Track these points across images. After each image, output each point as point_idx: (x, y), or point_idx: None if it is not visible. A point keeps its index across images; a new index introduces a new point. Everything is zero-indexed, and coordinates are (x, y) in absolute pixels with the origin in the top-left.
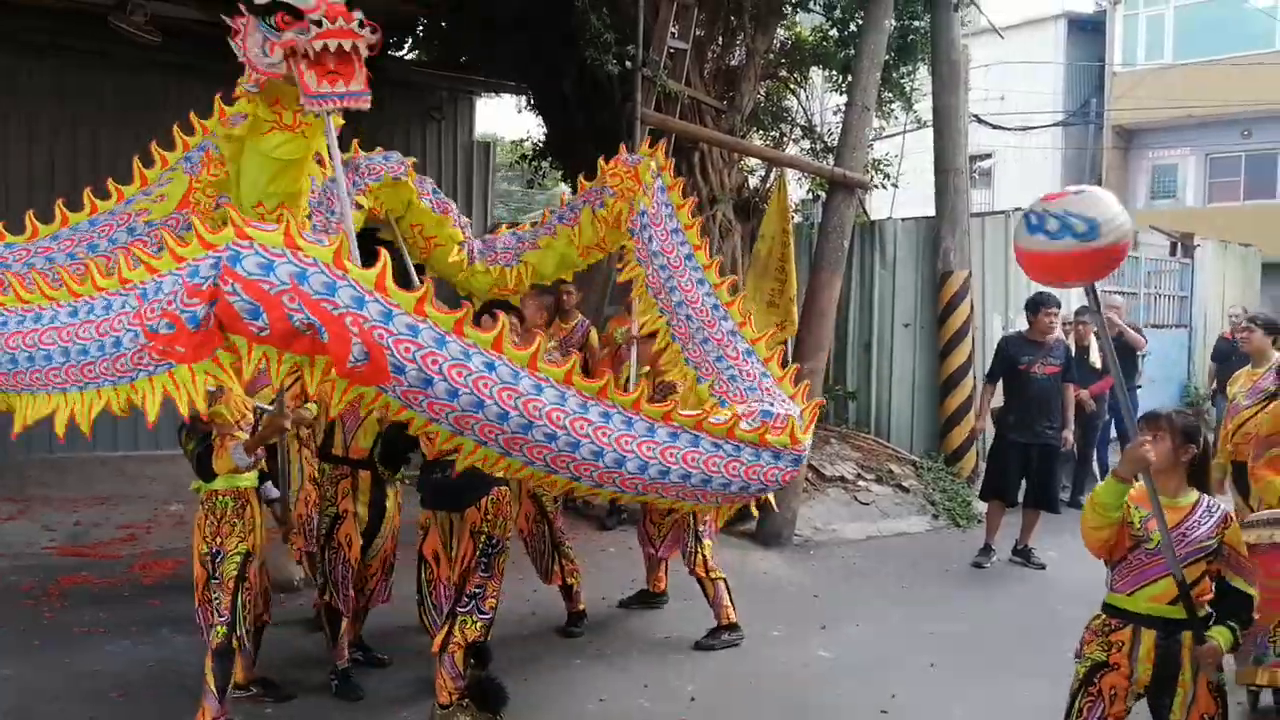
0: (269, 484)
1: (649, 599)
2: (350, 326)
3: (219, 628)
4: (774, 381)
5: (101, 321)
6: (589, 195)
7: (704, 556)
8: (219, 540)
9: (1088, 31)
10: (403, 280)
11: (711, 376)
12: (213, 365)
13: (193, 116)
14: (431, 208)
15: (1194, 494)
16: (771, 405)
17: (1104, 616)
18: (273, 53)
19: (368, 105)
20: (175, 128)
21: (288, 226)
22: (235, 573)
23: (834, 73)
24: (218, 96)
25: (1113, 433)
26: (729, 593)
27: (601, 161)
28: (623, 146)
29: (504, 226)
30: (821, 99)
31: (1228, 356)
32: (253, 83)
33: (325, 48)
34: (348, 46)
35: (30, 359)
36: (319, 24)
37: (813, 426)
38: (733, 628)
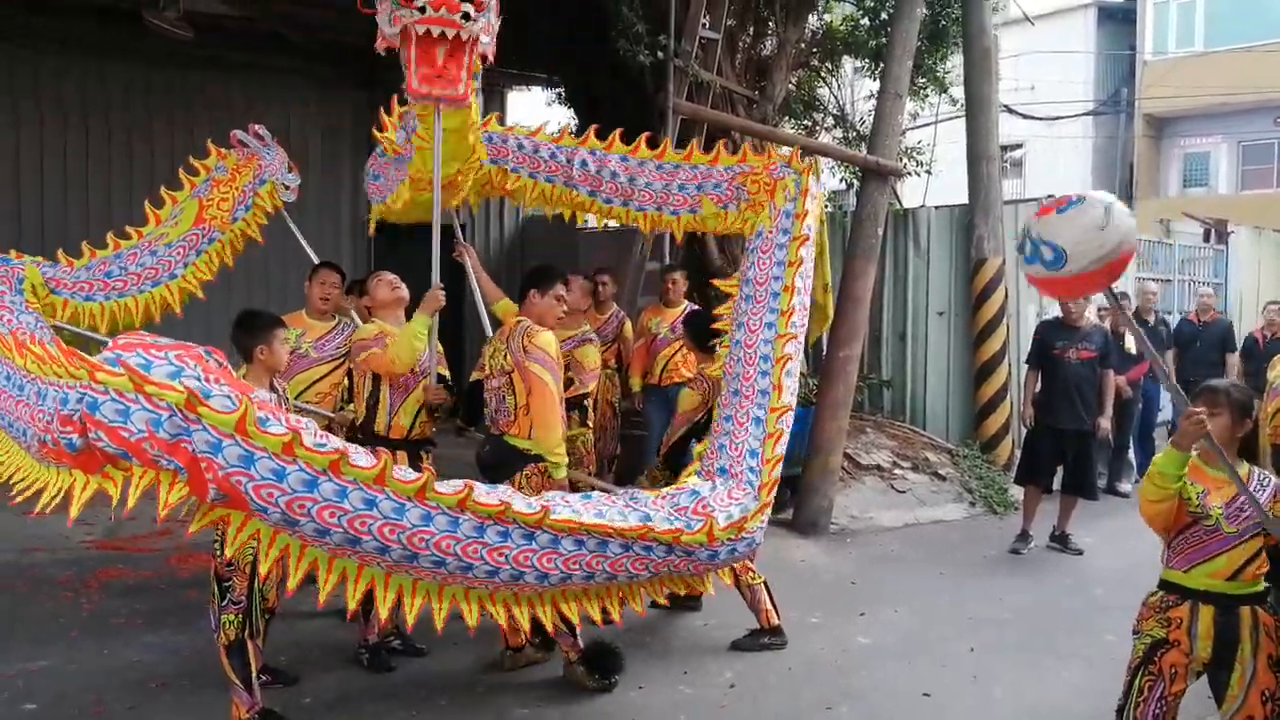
0: None
1: (681, 600)
2: (205, 471)
3: (231, 617)
4: (759, 462)
5: (19, 401)
6: (729, 194)
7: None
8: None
9: (1118, 20)
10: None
11: (711, 437)
12: (103, 480)
13: (194, 161)
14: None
15: (1245, 467)
16: (713, 489)
17: (1161, 593)
18: (395, 24)
19: (467, 105)
20: (180, 171)
21: (133, 373)
22: (251, 558)
23: (866, 61)
24: (209, 142)
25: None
26: (770, 596)
27: (750, 149)
28: (771, 150)
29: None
30: (853, 87)
31: (1192, 341)
32: (382, 49)
33: (429, 33)
34: (450, 35)
35: None
36: (421, 9)
37: (758, 520)
38: (775, 631)
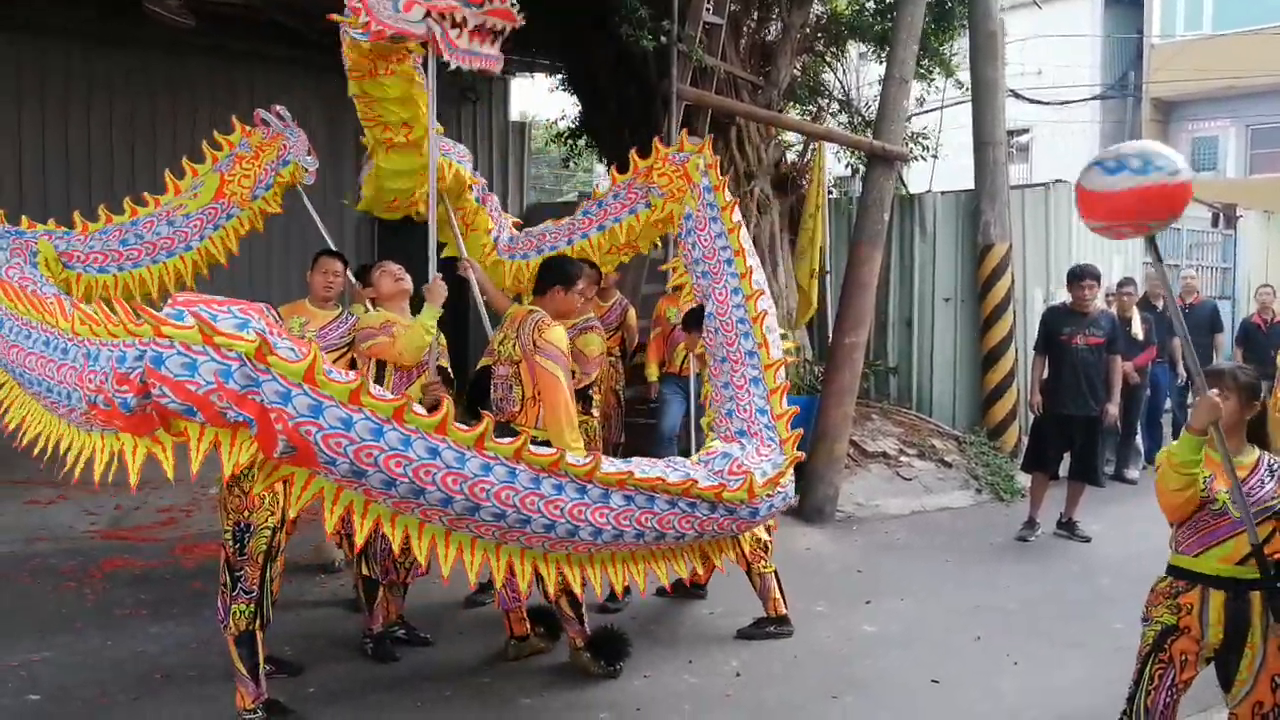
0: None
1: (688, 589)
2: (275, 422)
3: (241, 607)
4: (770, 419)
5: (61, 365)
6: (633, 196)
7: (743, 550)
8: (247, 514)
9: (1125, 3)
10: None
11: (714, 406)
12: (153, 444)
13: (218, 135)
14: (477, 198)
15: (1255, 452)
16: (743, 449)
17: (1170, 579)
18: (409, 10)
19: (499, 70)
20: (204, 144)
21: (203, 322)
22: (264, 548)
23: (871, 46)
24: (234, 118)
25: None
26: (779, 585)
27: (635, 156)
28: (658, 141)
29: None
30: (858, 72)
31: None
32: (365, 31)
33: (481, 25)
34: (499, 28)
35: (23, 377)
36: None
37: (789, 475)
38: (781, 620)
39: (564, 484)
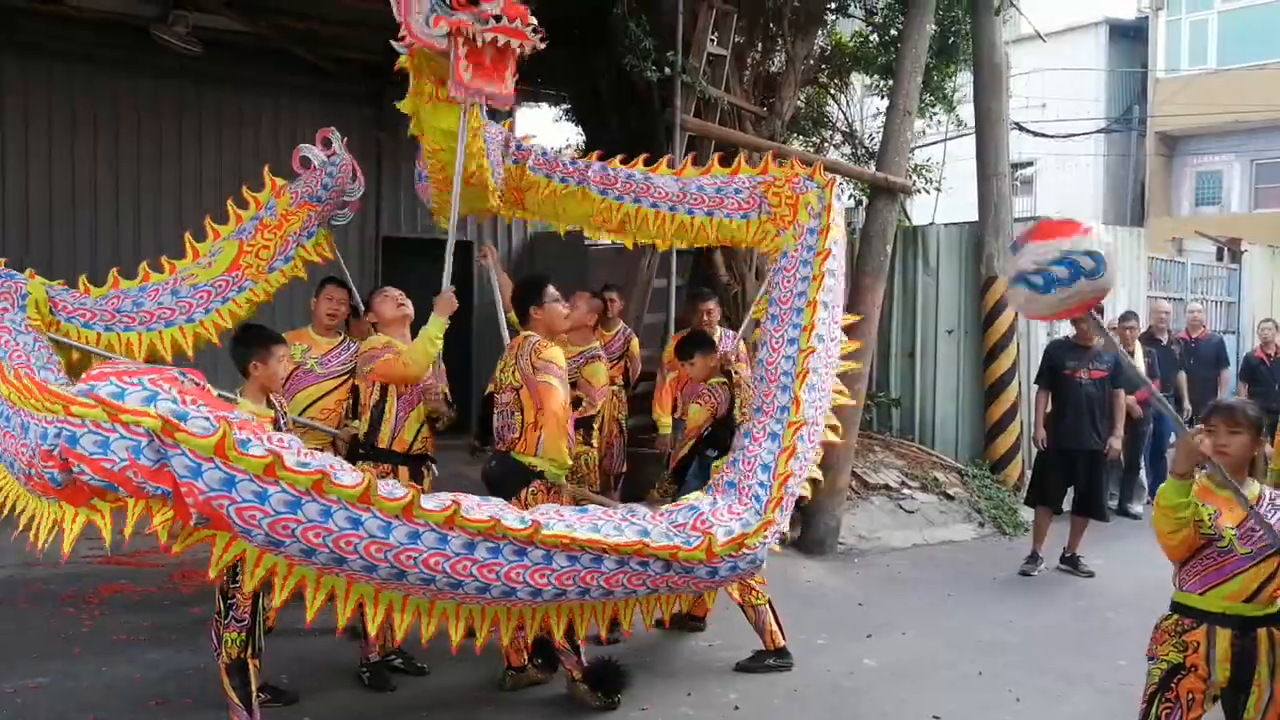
0: None
1: (687, 622)
2: (185, 496)
3: (234, 635)
4: (770, 477)
5: (6, 431)
6: (751, 203)
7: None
8: None
9: (1130, 37)
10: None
11: (731, 451)
12: (91, 512)
13: (246, 192)
14: (531, 165)
15: (1257, 486)
16: (713, 504)
17: (1176, 616)
18: (436, 25)
19: (509, 106)
20: (229, 202)
21: (104, 402)
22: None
23: (875, 77)
24: (266, 170)
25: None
26: (775, 617)
27: (772, 160)
28: (795, 161)
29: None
30: (862, 104)
31: (1186, 359)
32: (404, 45)
33: (494, 41)
34: (515, 45)
35: None
36: (497, 18)
37: (762, 536)
38: (780, 653)
39: (501, 546)
